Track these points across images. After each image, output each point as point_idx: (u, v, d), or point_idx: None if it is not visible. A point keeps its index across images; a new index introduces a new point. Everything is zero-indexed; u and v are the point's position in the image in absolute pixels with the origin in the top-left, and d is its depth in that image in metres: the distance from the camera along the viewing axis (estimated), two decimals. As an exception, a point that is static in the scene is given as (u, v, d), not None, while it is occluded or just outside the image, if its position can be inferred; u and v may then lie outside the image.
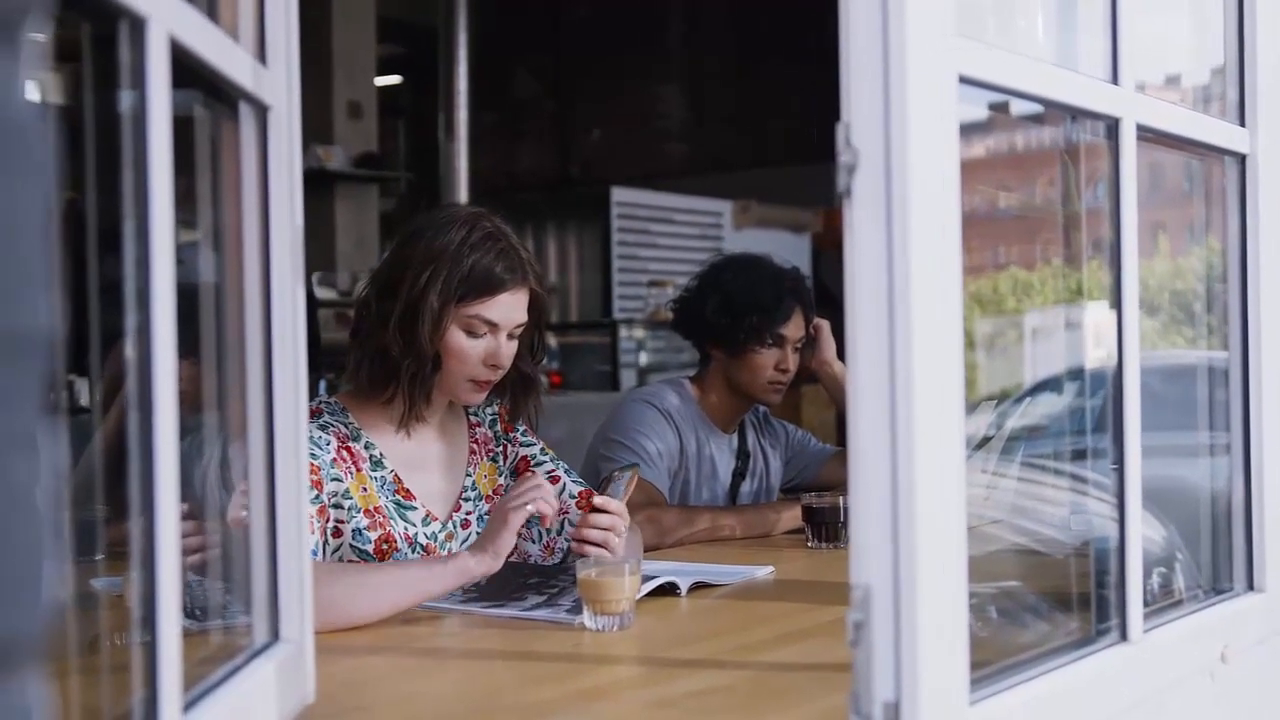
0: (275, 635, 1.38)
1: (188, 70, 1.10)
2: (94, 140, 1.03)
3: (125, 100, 1.00)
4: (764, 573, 2.38)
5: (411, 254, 2.19)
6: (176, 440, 1.02)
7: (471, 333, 2.20)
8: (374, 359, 2.21)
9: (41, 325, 0.60)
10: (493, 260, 2.18)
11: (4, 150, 0.58)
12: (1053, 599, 1.73)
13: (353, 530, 2.16)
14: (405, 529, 2.21)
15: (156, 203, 1.00)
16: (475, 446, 2.39)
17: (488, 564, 1.99)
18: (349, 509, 2.16)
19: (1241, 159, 1.84)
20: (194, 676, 1.14)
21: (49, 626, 0.62)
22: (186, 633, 1.06)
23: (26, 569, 0.59)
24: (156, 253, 1.00)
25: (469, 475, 2.36)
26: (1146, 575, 1.63)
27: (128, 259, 1.00)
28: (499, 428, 2.43)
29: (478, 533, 2.30)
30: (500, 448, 2.42)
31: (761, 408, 3.22)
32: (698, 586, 2.20)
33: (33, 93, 0.62)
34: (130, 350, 1.00)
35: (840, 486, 3.00)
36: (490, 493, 2.37)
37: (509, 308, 2.22)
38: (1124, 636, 1.54)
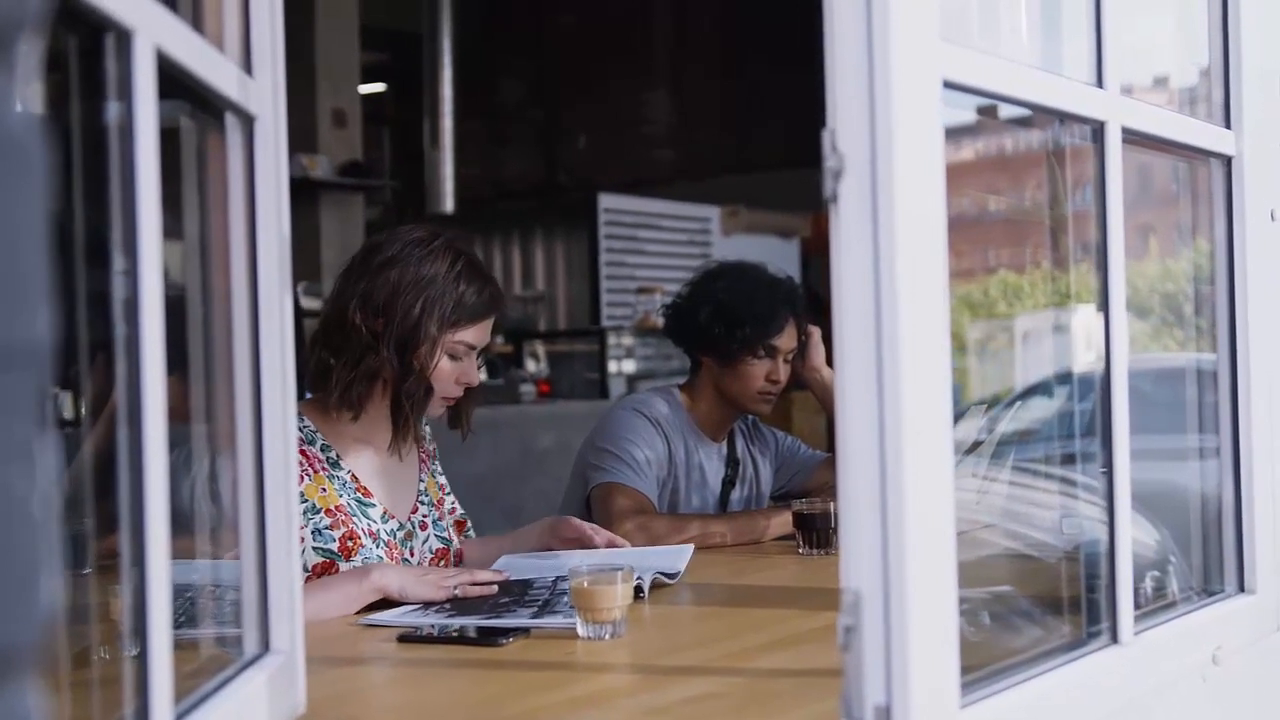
0: (266, 646, 1.37)
1: (173, 81, 1.10)
2: (79, 151, 1.03)
3: (111, 111, 1.00)
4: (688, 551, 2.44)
5: (397, 280, 2.28)
6: (165, 452, 1.02)
7: (453, 356, 2.33)
8: (363, 380, 2.30)
9: (39, 337, 0.61)
10: (478, 290, 2.33)
11: (2, 162, 0.58)
12: (1044, 602, 1.73)
13: (313, 531, 2.23)
14: (368, 525, 2.31)
15: (144, 214, 1.00)
16: (424, 456, 2.52)
17: (388, 580, 2.11)
18: (305, 511, 2.23)
19: (1227, 161, 1.84)
20: (183, 689, 1.13)
21: (46, 636, 0.63)
22: (175, 643, 1.05)
23: (25, 578, 0.60)
24: (144, 264, 1.00)
25: (421, 481, 2.48)
26: (1139, 579, 1.63)
27: (114, 270, 1.00)
28: (433, 447, 2.56)
29: (435, 535, 2.45)
30: (435, 464, 2.56)
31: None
32: (656, 585, 2.22)
33: (28, 104, 0.63)
34: (119, 362, 0.99)
35: (830, 492, 3.00)
36: (435, 502, 2.50)
37: (487, 332, 2.38)
38: (1115, 638, 1.54)
